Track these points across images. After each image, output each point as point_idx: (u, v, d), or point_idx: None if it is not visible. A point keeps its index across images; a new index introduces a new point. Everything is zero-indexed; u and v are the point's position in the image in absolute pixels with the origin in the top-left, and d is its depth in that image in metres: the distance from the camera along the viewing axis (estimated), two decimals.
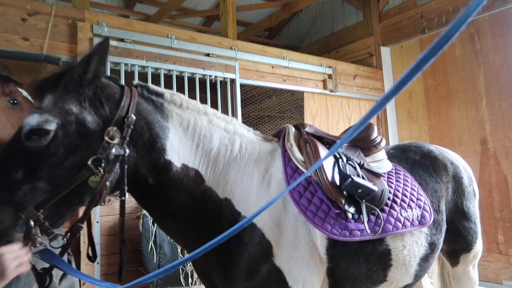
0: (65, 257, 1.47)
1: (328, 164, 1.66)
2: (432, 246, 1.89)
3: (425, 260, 1.87)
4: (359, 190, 1.61)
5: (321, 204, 1.58)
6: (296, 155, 1.65)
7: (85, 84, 1.33)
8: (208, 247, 1.13)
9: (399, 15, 5.39)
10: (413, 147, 2.27)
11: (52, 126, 1.26)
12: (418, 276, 1.90)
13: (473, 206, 2.21)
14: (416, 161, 2.15)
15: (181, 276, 3.02)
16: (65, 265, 1.28)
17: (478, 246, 2.25)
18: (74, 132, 1.29)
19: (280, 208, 1.57)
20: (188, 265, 3.00)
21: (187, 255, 1.17)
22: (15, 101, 2.15)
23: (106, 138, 1.31)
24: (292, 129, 1.77)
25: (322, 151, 1.68)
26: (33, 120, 1.26)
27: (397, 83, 0.71)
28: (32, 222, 1.20)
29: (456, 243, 2.16)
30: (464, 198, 2.15)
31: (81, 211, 1.38)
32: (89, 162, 1.27)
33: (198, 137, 1.55)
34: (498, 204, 4.33)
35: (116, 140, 1.33)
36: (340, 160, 1.72)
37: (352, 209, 1.61)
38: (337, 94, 4.88)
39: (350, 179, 1.60)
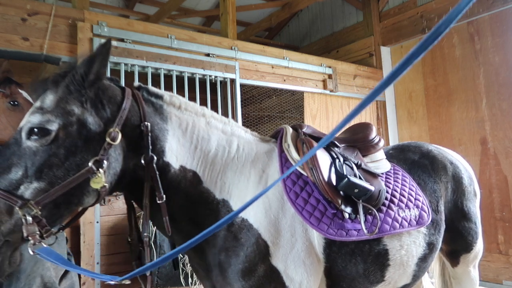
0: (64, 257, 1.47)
1: (324, 165, 1.66)
2: (430, 246, 1.89)
3: (423, 260, 1.87)
4: (356, 190, 1.61)
5: (318, 204, 1.59)
6: (293, 155, 1.65)
7: (87, 85, 1.32)
8: (197, 239, 1.14)
9: (399, 15, 5.39)
10: (412, 147, 2.27)
11: (53, 126, 1.25)
12: (416, 276, 1.89)
13: (474, 206, 2.20)
14: (415, 161, 2.15)
15: (181, 276, 3.02)
16: (63, 261, 1.27)
17: (479, 247, 2.24)
18: (75, 133, 1.28)
19: (277, 208, 1.57)
20: (188, 265, 3.00)
21: (185, 244, 1.17)
22: (16, 103, 2.15)
23: (108, 140, 1.30)
24: (290, 130, 1.77)
25: (319, 151, 1.68)
26: (35, 119, 1.26)
27: (393, 71, 0.73)
28: (30, 219, 1.18)
29: (456, 243, 2.16)
30: (464, 198, 2.15)
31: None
32: (91, 163, 1.26)
33: (197, 138, 1.55)
34: (498, 204, 4.33)
35: (117, 142, 1.32)
36: (337, 161, 1.72)
37: (348, 209, 1.61)
38: (337, 94, 4.88)
39: (347, 179, 1.60)
